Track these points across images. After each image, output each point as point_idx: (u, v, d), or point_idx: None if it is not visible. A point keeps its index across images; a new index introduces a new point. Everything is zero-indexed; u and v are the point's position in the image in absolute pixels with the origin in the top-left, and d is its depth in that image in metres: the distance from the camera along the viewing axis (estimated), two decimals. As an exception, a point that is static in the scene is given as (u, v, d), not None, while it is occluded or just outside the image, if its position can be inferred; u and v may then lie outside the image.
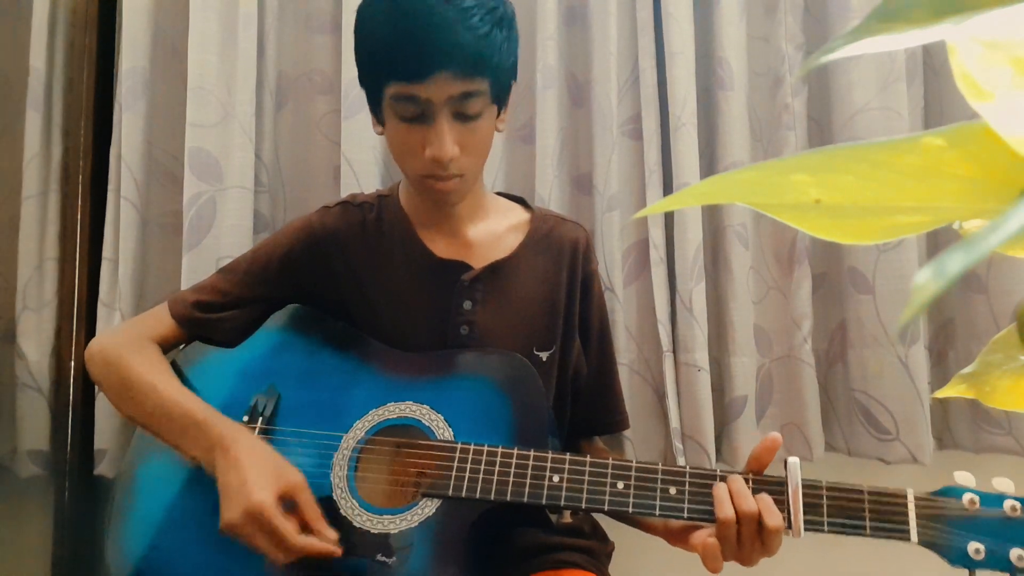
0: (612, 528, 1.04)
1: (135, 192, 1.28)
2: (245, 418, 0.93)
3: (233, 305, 0.99)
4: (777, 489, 0.79)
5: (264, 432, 0.93)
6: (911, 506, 0.75)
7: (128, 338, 0.98)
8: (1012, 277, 1.23)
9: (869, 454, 1.26)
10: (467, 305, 0.97)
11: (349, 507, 0.87)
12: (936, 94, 1.34)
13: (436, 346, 0.96)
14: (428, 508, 0.86)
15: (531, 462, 0.85)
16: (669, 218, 1.30)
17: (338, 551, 0.82)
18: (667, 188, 1.31)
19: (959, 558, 0.72)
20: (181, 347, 1.02)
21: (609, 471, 0.83)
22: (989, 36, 0.25)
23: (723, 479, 0.80)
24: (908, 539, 0.74)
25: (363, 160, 1.28)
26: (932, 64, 1.35)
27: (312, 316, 1.03)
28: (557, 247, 1.03)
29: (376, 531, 0.85)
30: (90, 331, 1.28)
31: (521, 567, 0.95)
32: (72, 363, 1.29)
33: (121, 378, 0.93)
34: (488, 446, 0.86)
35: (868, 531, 0.75)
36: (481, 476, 0.85)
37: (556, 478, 0.84)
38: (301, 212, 1.12)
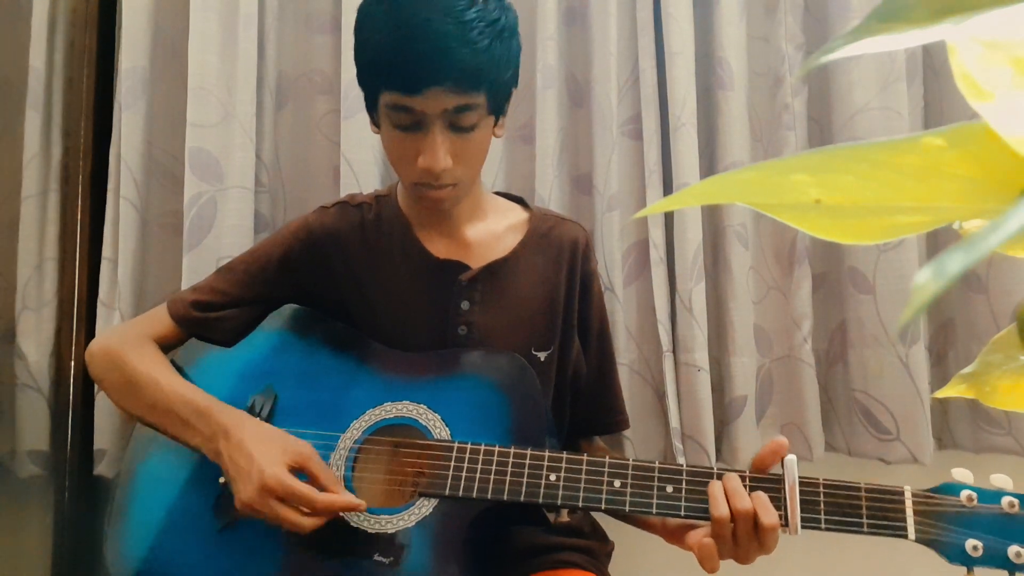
0: (612, 528, 1.04)
1: (135, 192, 1.28)
2: (244, 418, 0.93)
3: (231, 305, 0.99)
4: (774, 486, 0.79)
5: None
6: (908, 503, 0.75)
7: (128, 337, 0.98)
8: (1012, 277, 1.23)
9: (869, 454, 1.26)
10: (465, 305, 0.97)
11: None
12: (936, 94, 1.34)
13: (435, 346, 0.96)
14: (425, 508, 0.85)
15: (528, 461, 0.85)
16: (669, 218, 1.30)
17: (363, 505, 0.83)
18: (667, 188, 1.31)
19: (957, 555, 0.72)
20: (181, 346, 1.02)
21: (606, 470, 0.83)
22: (989, 36, 0.25)
23: (719, 477, 0.80)
24: (906, 536, 0.74)
25: (363, 160, 1.28)
26: (932, 64, 1.35)
27: (310, 316, 1.03)
28: (556, 247, 1.03)
29: (373, 531, 0.85)
30: (90, 331, 1.28)
31: (520, 567, 0.95)
32: (72, 363, 1.29)
33: (122, 375, 0.94)
34: (485, 445, 0.86)
35: (865, 528, 0.75)
36: (478, 475, 0.85)
37: (553, 477, 0.83)
38: (301, 212, 1.12)
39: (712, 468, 0.82)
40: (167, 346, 0.99)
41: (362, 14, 0.89)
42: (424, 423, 0.90)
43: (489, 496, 0.84)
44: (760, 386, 1.30)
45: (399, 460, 0.90)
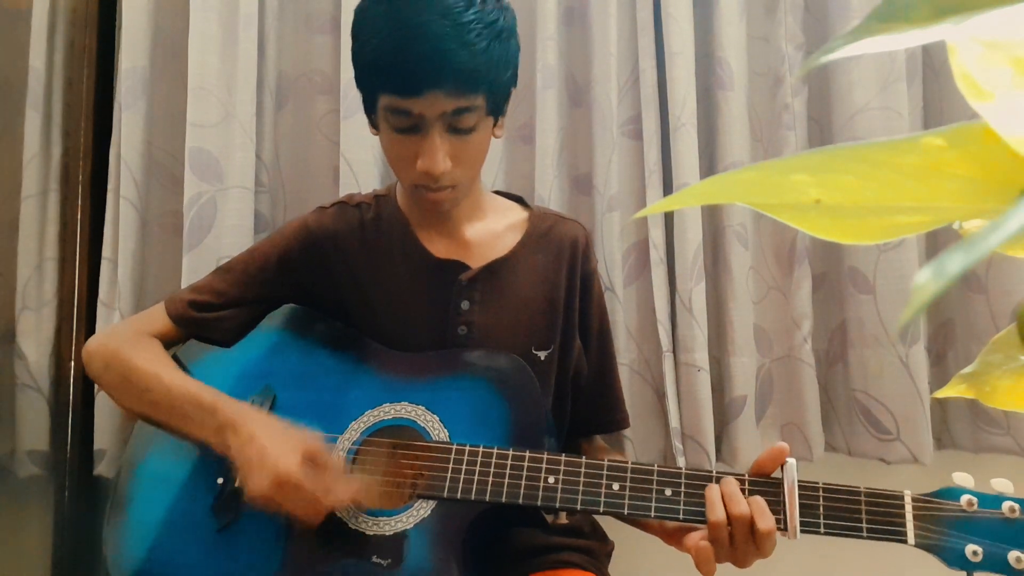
0: (612, 528, 1.04)
1: (135, 192, 1.28)
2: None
3: (230, 305, 0.99)
4: (773, 490, 0.79)
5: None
6: (908, 508, 0.75)
7: (126, 335, 0.98)
8: (1011, 277, 1.23)
9: (869, 454, 1.26)
10: (465, 305, 0.97)
11: (345, 508, 0.87)
12: (936, 94, 1.34)
13: (434, 346, 0.96)
14: (424, 509, 0.85)
15: (526, 463, 0.84)
16: (669, 218, 1.30)
17: (366, 501, 0.86)
18: (667, 188, 1.31)
19: (956, 560, 0.72)
20: (179, 346, 1.02)
21: (604, 472, 0.83)
22: (989, 36, 0.25)
23: (718, 481, 0.80)
24: (905, 541, 0.74)
25: (362, 160, 1.28)
26: (932, 64, 1.35)
27: (309, 316, 1.03)
28: (556, 246, 1.03)
29: (371, 533, 0.85)
30: (90, 331, 1.28)
31: (520, 567, 0.95)
32: (72, 363, 1.29)
33: (122, 372, 0.94)
34: (484, 447, 0.86)
35: (865, 533, 0.75)
36: (476, 477, 0.85)
37: (552, 479, 0.83)
38: (301, 212, 1.12)
39: (711, 472, 0.82)
40: (165, 346, 0.99)
41: (359, 16, 0.89)
42: (423, 424, 0.90)
43: (487, 498, 0.84)
44: (760, 386, 1.30)
45: (398, 461, 0.90)
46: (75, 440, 1.28)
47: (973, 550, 0.71)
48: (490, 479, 0.84)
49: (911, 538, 0.74)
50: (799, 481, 0.78)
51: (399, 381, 0.93)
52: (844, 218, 0.29)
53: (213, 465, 0.92)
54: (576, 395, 1.05)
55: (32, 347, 1.29)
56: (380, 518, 0.86)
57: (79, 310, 1.31)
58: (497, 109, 0.92)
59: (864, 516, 0.75)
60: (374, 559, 0.84)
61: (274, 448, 0.82)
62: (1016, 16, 0.25)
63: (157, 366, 0.93)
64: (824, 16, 1.35)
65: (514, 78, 0.93)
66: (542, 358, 0.98)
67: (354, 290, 1.00)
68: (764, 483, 0.80)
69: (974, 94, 0.25)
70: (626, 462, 0.84)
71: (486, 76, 0.85)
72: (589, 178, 1.33)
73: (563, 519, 0.97)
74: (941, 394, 0.47)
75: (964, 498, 0.74)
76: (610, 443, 1.18)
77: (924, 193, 0.28)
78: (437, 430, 0.89)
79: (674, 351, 1.27)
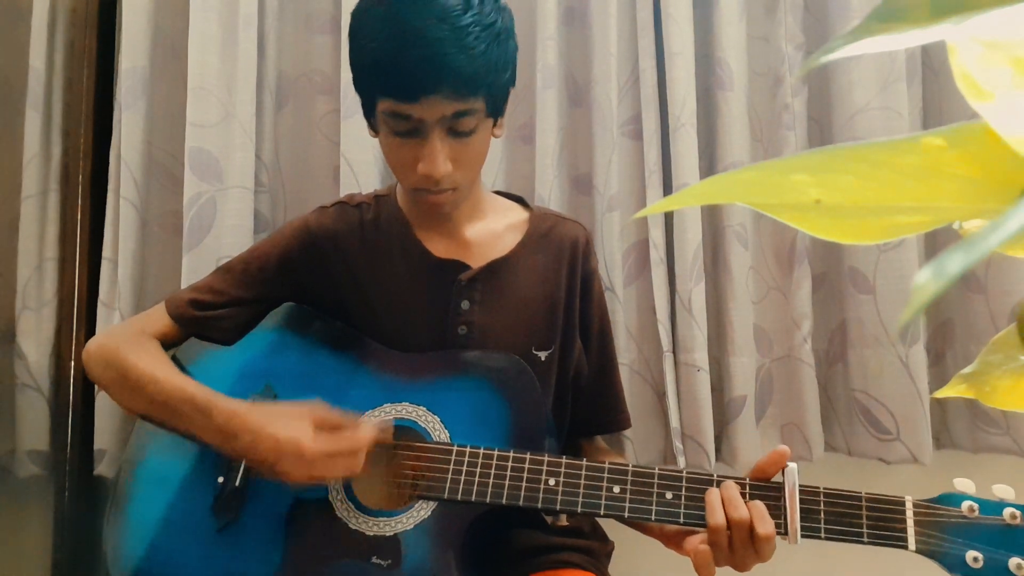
0: (612, 528, 1.04)
1: (135, 192, 1.28)
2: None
3: (230, 304, 0.99)
4: (774, 494, 0.79)
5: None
6: (909, 513, 0.74)
7: (126, 335, 0.98)
8: (1010, 277, 1.23)
9: (869, 454, 1.26)
10: (465, 305, 0.97)
11: (345, 509, 0.87)
12: (936, 94, 1.34)
13: (434, 346, 0.96)
14: (424, 510, 0.85)
15: (527, 465, 0.84)
16: (669, 218, 1.30)
17: (390, 428, 0.89)
18: (667, 188, 1.31)
19: (957, 566, 0.71)
20: (179, 346, 1.02)
21: (605, 475, 0.83)
22: (989, 36, 0.25)
23: (718, 484, 0.80)
24: (906, 547, 0.74)
25: (362, 160, 1.28)
26: (932, 64, 1.35)
27: (309, 316, 1.03)
28: (556, 246, 1.03)
29: (372, 533, 0.85)
30: (90, 331, 1.28)
31: (520, 567, 0.95)
32: (72, 363, 1.29)
33: (121, 373, 0.93)
34: (484, 448, 0.86)
35: (865, 538, 0.75)
36: (477, 479, 0.85)
37: (552, 481, 0.83)
38: (301, 212, 1.12)
39: (712, 475, 0.81)
40: (165, 345, 0.99)
41: (357, 19, 0.88)
42: (423, 425, 0.90)
43: (488, 500, 0.84)
44: (760, 386, 1.30)
45: (398, 462, 0.90)
46: (75, 440, 1.28)
47: (974, 556, 0.71)
48: (491, 480, 0.84)
49: (912, 544, 0.73)
50: (800, 485, 0.78)
51: (399, 382, 0.93)
52: (844, 218, 0.29)
53: (213, 464, 0.92)
54: (577, 395, 1.05)
55: (32, 347, 1.29)
56: (380, 519, 0.86)
57: (79, 310, 1.31)
58: (496, 110, 0.91)
59: (865, 521, 0.75)
60: (374, 559, 0.84)
61: (286, 433, 0.82)
62: (1016, 16, 0.25)
63: (155, 367, 0.93)
64: (824, 16, 1.35)
65: (513, 78, 0.92)
66: (542, 358, 0.98)
67: (354, 290, 1.00)
68: (765, 487, 0.80)
69: (974, 94, 0.25)
70: (627, 464, 0.84)
71: (485, 79, 0.85)
72: (589, 178, 1.33)
73: (563, 521, 0.97)
74: (941, 394, 0.47)
75: (965, 504, 0.73)
76: (610, 443, 1.18)
77: (924, 193, 0.28)
78: (438, 431, 0.89)
79: (674, 351, 1.27)
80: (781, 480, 0.79)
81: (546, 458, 0.85)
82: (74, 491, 1.28)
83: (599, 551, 1.02)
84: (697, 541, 0.80)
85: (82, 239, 1.31)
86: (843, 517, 0.76)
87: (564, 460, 0.84)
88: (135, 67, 1.29)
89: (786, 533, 0.77)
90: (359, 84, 0.90)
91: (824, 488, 0.78)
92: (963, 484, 0.75)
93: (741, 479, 0.80)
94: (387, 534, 0.85)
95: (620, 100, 1.33)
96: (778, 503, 0.78)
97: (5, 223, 1.32)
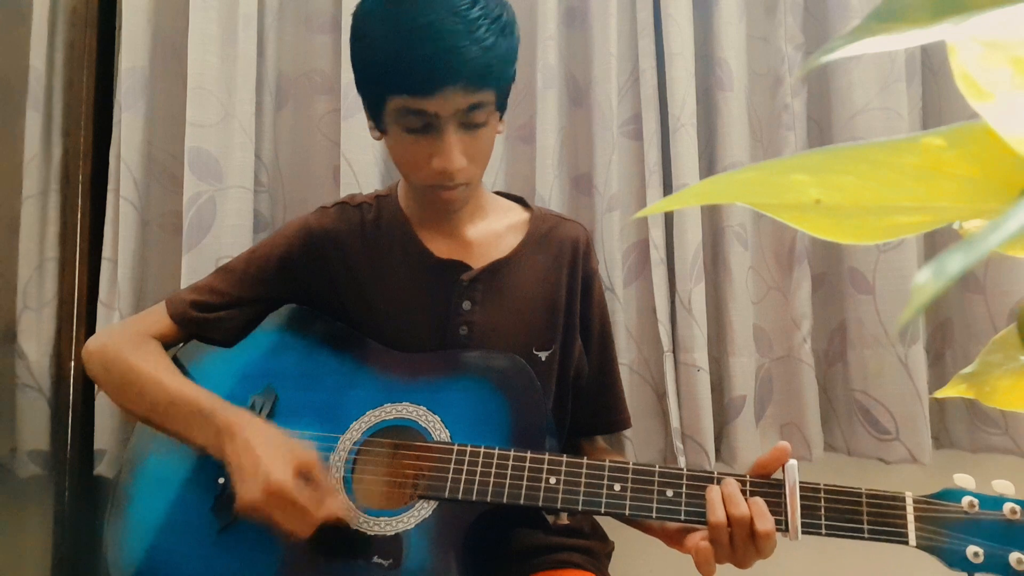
0: (612, 528, 1.04)
1: (135, 192, 1.28)
2: (244, 418, 0.93)
3: (230, 305, 0.99)
4: (774, 491, 0.79)
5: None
6: (909, 509, 0.74)
7: (126, 335, 0.98)
8: (1009, 277, 1.23)
9: (869, 454, 1.26)
10: (466, 305, 0.97)
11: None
12: (935, 94, 1.34)
13: (435, 347, 0.96)
14: (425, 510, 0.85)
15: (527, 464, 0.84)
16: (669, 218, 1.31)
17: (356, 516, 0.85)
18: (667, 188, 1.31)
19: (958, 562, 0.72)
20: (180, 346, 1.02)
21: (606, 473, 0.83)
22: (989, 36, 0.25)
23: (719, 482, 0.80)
24: (906, 542, 0.74)
25: (363, 160, 1.28)
26: (931, 64, 1.35)
27: (310, 316, 1.03)
28: (557, 246, 1.03)
29: (373, 533, 0.85)
30: (90, 331, 1.28)
31: (520, 567, 0.95)
32: (72, 363, 1.29)
33: (121, 373, 0.93)
34: (485, 448, 0.86)
35: (866, 534, 0.75)
36: (478, 478, 0.85)
37: (553, 480, 0.83)
38: (301, 212, 1.12)
39: (713, 473, 0.81)
40: (166, 346, 0.99)
41: (361, 19, 0.88)
42: (424, 425, 0.90)
43: (488, 499, 0.84)
44: (759, 386, 1.30)
45: (399, 462, 0.90)
46: (75, 440, 1.28)
47: (974, 551, 0.71)
48: (491, 480, 0.84)
49: (912, 539, 0.74)
50: (800, 482, 0.78)
51: (400, 381, 0.93)
52: (844, 218, 0.29)
53: (214, 466, 0.92)
54: (577, 396, 1.05)
55: (33, 347, 1.29)
56: (381, 518, 0.86)
57: (79, 310, 1.31)
58: (503, 104, 0.93)
59: (865, 517, 0.75)
60: (375, 559, 0.84)
61: (268, 458, 0.82)
62: (1016, 16, 0.25)
63: (157, 369, 0.93)
64: (824, 16, 1.35)
65: (515, 72, 0.94)
66: (543, 359, 0.98)
67: (355, 290, 1.00)
68: (765, 484, 0.80)
69: (974, 94, 0.25)
70: (627, 463, 0.84)
71: (496, 71, 0.86)
72: (589, 178, 1.33)
73: (564, 520, 0.97)
74: (941, 394, 0.47)
75: (965, 500, 0.74)
76: (611, 443, 1.18)
77: (924, 193, 0.28)
78: (438, 431, 0.89)
79: (674, 351, 1.27)
80: (781, 477, 0.79)
81: (546, 457, 0.85)
82: (74, 491, 1.28)
83: (599, 551, 1.02)
84: (698, 538, 0.80)
85: (82, 239, 1.31)
86: (843, 513, 0.76)
87: (564, 459, 0.84)
88: (135, 67, 1.29)
89: (787, 529, 0.77)
90: (367, 84, 0.90)
91: (824, 484, 0.78)
92: (963, 480, 0.75)
93: (742, 476, 0.81)
94: (388, 534, 0.85)
95: (620, 100, 1.33)
96: (779, 500, 0.78)
97: (5, 223, 1.32)
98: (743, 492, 0.79)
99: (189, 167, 1.25)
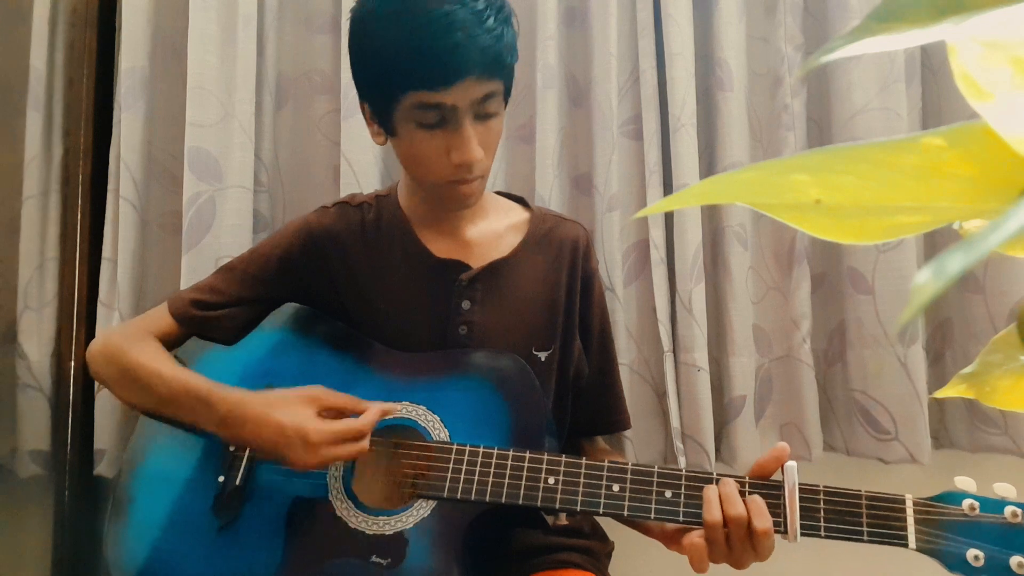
0: (612, 528, 1.04)
1: (135, 192, 1.28)
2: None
3: (231, 304, 0.99)
4: (774, 492, 0.79)
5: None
6: (909, 511, 0.74)
7: (128, 334, 0.98)
8: (1009, 277, 1.23)
9: (868, 454, 1.26)
10: (466, 305, 0.97)
11: (345, 508, 0.87)
12: (935, 94, 1.34)
13: (435, 346, 0.96)
14: (424, 509, 0.85)
15: (527, 464, 0.85)
16: (669, 218, 1.31)
17: (396, 407, 0.89)
18: (667, 188, 1.31)
19: (958, 565, 0.71)
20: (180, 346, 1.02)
21: (605, 474, 0.83)
22: (989, 36, 0.25)
23: (718, 482, 0.80)
24: (906, 545, 0.73)
25: (363, 160, 1.28)
26: (931, 64, 1.35)
27: (310, 316, 1.03)
28: (557, 246, 1.03)
29: (371, 532, 0.85)
30: (90, 331, 1.28)
31: (520, 567, 0.95)
32: (72, 363, 1.29)
33: (123, 369, 0.94)
34: (484, 447, 0.86)
35: (865, 536, 0.75)
36: (477, 478, 0.85)
37: (552, 480, 0.83)
38: (301, 212, 1.12)
39: (711, 473, 0.81)
40: (167, 344, 0.99)
41: (366, 22, 0.87)
42: (424, 425, 0.90)
43: (487, 498, 0.84)
44: (759, 386, 1.30)
45: (398, 461, 0.90)
46: (75, 440, 1.28)
47: (975, 554, 0.71)
48: (490, 479, 0.84)
49: (912, 542, 0.73)
50: (800, 484, 0.78)
51: (400, 381, 0.94)
52: (844, 218, 0.29)
53: (214, 464, 0.92)
54: (577, 396, 1.05)
55: (33, 347, 1.29)
56: (380, 517, 0.86)
57: (79, 310, 1.31)
58: (508, 94, 0.93)
59: (865, 519, 0.75)
60: (374, 558, 0.84)
61: (288, 419, 0.84)
62: (1016, 16, 0.25)
63: (156, 361, 0.94)
64: (824, 16, 1.35)
65: (517, 62, 0.94)
66: (543, 359, 0.98)
67: (355, 290, 1.00)
68: (765, 485, 0.79)
69: (974, 94, 0.25)
70: (626, 463, 0.84)
71: (504, 59, 0.87)
72: (589, 178, 1.33)
73: (563, 520, 0.97)
74: (941, 394, 0.47)
75: (966, 502, 0.73)
76: (611, 443, 1.18)
77: (924, 193, 0.28)
78: (438, 430, 0.89)
79: (674, 351, 1.27)
80: (781, 478, 0.79)
81: (545, 457, 0.85)
82: (74, 491, 1.28)
83: (599, 551, 1.02)
84: (694, 535, 0.79)
85: (82, 239, 1.31)
86: (843, 515, 0.76)
87: (563, 459, 0.84)
88: (135, 67, 1.29)
89: (786, 531, 0.76)
90: (378, 84, 0.89)
91: (824, 486, 0.77)
92: (964, 482, 0.75)
93: (741, 477, 0.80)
94: (387, 533, 0.85)
95: (620, 100, 1.33)
96: (778, 501, 0.78)
97: (6, 223, 1.32)
98: (742, 493, 0.78)
99: (189, 167, 1.25)
